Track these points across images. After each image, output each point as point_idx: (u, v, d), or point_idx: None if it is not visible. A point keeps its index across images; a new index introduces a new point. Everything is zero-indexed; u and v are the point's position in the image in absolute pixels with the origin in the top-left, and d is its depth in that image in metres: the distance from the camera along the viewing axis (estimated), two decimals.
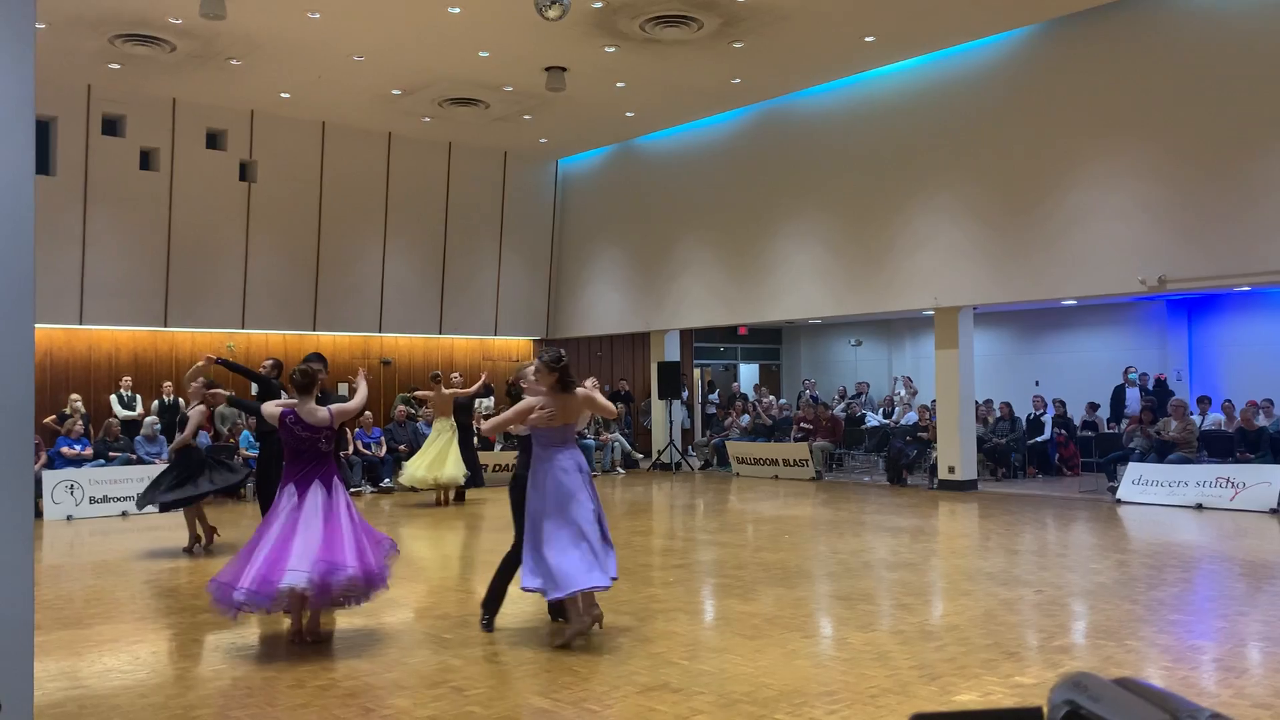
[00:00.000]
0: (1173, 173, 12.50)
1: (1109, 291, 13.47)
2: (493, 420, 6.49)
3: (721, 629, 6.61)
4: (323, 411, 6.42)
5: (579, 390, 6.29)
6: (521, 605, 7.51)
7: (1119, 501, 13.10)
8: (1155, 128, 12.65)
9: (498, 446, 17.36)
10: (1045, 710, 0.72)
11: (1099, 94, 13.10)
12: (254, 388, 11.39)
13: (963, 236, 14.49)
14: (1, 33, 3.17)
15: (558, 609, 6.40)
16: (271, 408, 6.51)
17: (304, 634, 6.35)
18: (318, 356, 7.24)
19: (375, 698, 5.21)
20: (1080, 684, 0.70)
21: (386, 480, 16.03)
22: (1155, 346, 18.10)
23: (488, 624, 6.62)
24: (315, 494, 6.29)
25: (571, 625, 6.15)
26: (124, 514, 13.29)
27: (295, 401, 6.51)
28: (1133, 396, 16.03)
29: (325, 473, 6.40)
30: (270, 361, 10.28)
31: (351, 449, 15.96)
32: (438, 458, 13.59)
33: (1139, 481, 13.17)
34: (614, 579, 6.18)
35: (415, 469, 13.71)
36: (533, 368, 6.43)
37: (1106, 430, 16.24)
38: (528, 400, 6.28)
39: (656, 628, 6.58)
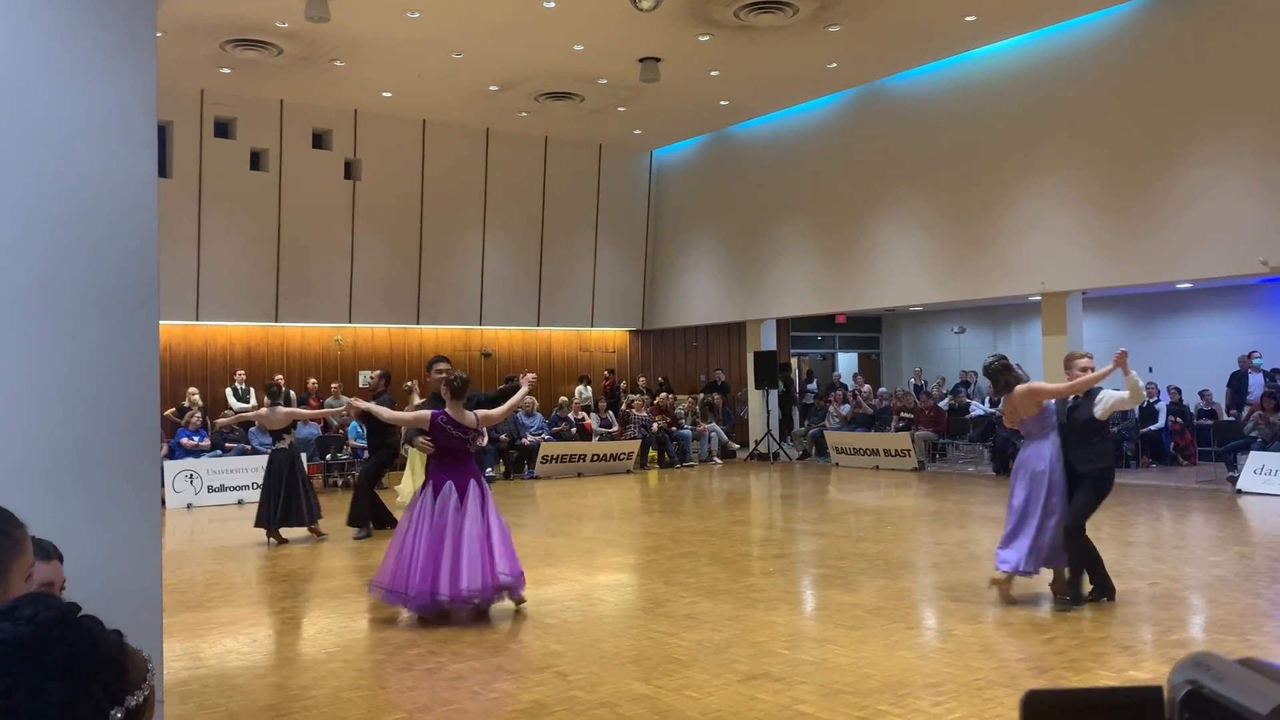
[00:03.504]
0: None
1: (1227, 273, 12.91)
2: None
3: (823, 619, 6.56)
4: (470, 415, 6.82)
5: (1017, 389, 6.82)
6: (621, 594, 7.57)
7: (1239, 492, 12.56)
8: (1274, 101, 12.05)
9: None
10: (1166, 690, 0.71)
11: (1213, 67, 12.54)
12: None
13: (1070, 219, 14.05)
14: (124, 43, 3.32)
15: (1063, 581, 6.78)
16: (420, 413, 6.93)
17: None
18: (443, 359, 7.86)
19: (482, 681, 5.32)
20: (1202, 663, 0.69)
21: (489, 470, 16.31)
22: (1277, 330, 17.28)
23: (1073, 599, 6.67)
24: (474, 497, 6.70)
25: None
26: (240, 502, 13.82)
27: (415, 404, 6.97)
28: (1255, 382, 15.33)
29: (475, 472, 6.84)
30: (379, 372, 10.86)
31: None
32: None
33: (1261, 471, 12.59)
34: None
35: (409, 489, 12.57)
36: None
37: (1226, 418, 15.57)
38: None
39: (757, 617, 6.57)
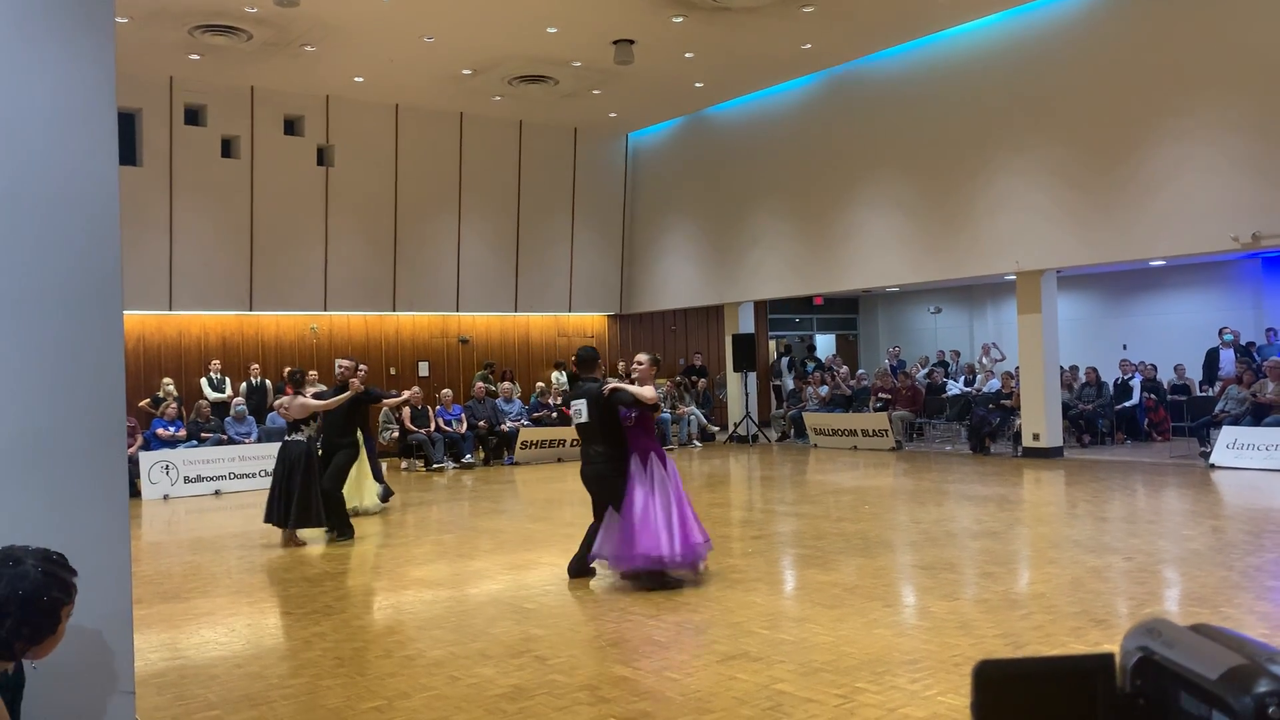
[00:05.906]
0: (1267, 125, 11.97)
1: (1199, 250, 13.00)
2: None
3: (802, 599, 6.59)
4: (650, 391, 7.40)
5: None
6: (600, 578, 7.58)
7: (1213, 466, 12.70)
8: (1247, 78, 12.11)
9: None
10: (1118, 657, 0.70)
11: (1187, 45, 12.59)
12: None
13: (1044, 197, 14.11)
14: (82, 28, 3.26)
15: None
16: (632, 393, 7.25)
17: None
18: (592, 349, 8.09)
19: (461, 667, 5.32)
20: (1154, 630, 0.68)
21: (468, 456, 16.29)
22: (1250, 306, 17.45)
23: None
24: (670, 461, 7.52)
25: None
26: (217, 492, 13.74)
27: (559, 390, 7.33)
28: (1227, 358, 15.49)
29: None
30: (350, 360, 10.59)
31: (433, 426, 16.24)
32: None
33: (1234, 445, 12.74)
34: None
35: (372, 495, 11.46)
36: None
37: (1199, 394, 15.73)
38: None
39: (736, 598, 6.59)
